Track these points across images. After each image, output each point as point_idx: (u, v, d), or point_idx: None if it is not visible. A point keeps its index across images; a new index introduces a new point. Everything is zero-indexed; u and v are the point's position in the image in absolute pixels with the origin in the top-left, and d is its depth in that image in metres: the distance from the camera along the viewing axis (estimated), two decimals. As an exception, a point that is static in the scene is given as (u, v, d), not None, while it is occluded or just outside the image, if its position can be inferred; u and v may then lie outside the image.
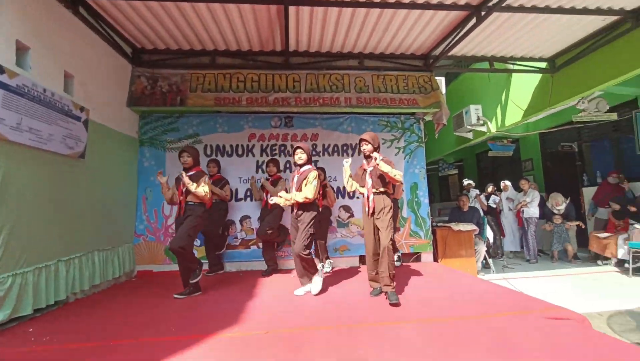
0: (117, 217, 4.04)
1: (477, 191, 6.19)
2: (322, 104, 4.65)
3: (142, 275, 4.36)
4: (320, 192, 3.96)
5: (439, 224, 5.23)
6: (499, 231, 6.19)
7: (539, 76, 5.40)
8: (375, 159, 2.81)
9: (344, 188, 4.87)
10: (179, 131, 4.68)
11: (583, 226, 5.92)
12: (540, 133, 7.29)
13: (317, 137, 4.93)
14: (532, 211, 5.87)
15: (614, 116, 5.41)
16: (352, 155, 4.87)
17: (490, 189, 6.20)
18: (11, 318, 2.45)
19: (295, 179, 3.14)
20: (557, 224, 5.79)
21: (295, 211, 3.14)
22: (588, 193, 6.30)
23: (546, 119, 6.43)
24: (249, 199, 4.70)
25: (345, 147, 4.97)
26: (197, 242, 4.27)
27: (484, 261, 5.27)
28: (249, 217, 4.67)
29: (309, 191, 3.01)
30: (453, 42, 4.29)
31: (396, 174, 2.85)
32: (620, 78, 4.27)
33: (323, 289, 3.23)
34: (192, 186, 3.12)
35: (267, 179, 4.20)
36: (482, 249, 5.20)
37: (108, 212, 3.83)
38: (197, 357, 1.91)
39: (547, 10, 3.79)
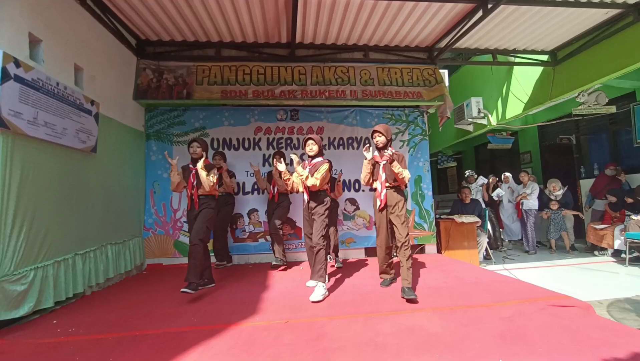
0: (127, 211, 4.06)
1: (485, 180, 6.26)
2: (328, 97, 4.67)
3: (152, 269, 4.41)
4: (329, 184, 3.97)
5: (442, 216, 5.33)
6: (497, 223, 6.33)
7: (540, 68, 5.46)
8: (390, 156, 2.79)
9: (349, 180, 4.93)
10: (185, 125, 4.68)
11: (582, 217, 6.07)
12: (538, 126, 7.39)
13: (322, 131, 4.96)
14: (532, 203, 6.00)
15: (612, 109, 5.51)
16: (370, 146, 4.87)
17: (491, 180, 6.30)
18: (34, 310, 2.49)
19: (307, 170, 3.06)
20: (554, 211, 5.91)
21: (307, 203, 3.12)
22: (585, 184, 6.45)
23: (545, 111, 6.51)
24: (256, 192, 4.74)
25: (350, 141, 5.01)
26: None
27: (484, 253, 5.41)
28: (256, 210, 4.72)
29: (317, 179, 2.95)
30: (458, 34, 4.32)
31: (405, 176, 2.85)
32: (622, 71, 4.35)
33: (332, 284, 3.28)
34: (204, 173, 2.98)
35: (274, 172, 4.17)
36: (484, 240, 5.33)
37: (118, 206, 3.85)
38: (224, 346, 1.98)
39: (553, 3, 3.83)
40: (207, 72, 4.53)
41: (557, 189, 6.04)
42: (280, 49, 4.73)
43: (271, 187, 4.21)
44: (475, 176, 6.44)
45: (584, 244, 6.08)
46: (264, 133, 4.85)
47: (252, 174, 4.73)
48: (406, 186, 3.15)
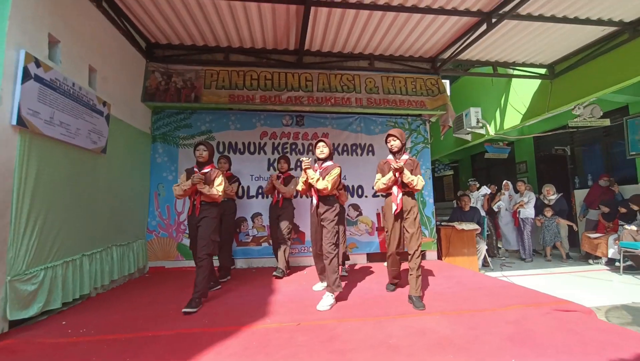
0: (132, 213, 4.06)
1: (488, 191, 6.37)
2: (334, 103, 4.76)
3: (155, 271, 4.39)
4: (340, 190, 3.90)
5: (442, 223, 5.41)
6: (494, 231, 6.44)
7: (538, 81, 5.64)
8: (400, 167, 2.73)
9: (352, 186, 5.00)
10: (191, 128, 4.71)
11: (576, 229, 6.21)
12: (534, 137, 7.58)
13: (327, 137, 5.03)
14: (528, 211, 6.13)
15: (607, 122, 5.69)
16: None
17: (491, 189, 6.43)
18: (42, 311, 2.48)
19: (318, 173, 2.96)
20: (548, 218, 6.04)
21: (316, 208, 2.98)
22: (579, 195, 6.62)
23: (540, 123, 6.69)
24: (260, 196, 4.77)
25: (354, 147, 5.09)
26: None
27: (483, 260, 5.50)
28: (260, 214, 4.75)
29: (328, 182, 2.86)
30: (462, 46, 4.46)
31: (417, 183, 2.80)
32: (617, 86, 4.52)
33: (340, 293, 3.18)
34: (205, 189, 2.84)
35: (279, 177, 4.11)
36: (483, 248, 5.42)
37: (124, 208, 3.85)
38: (239, 346, 2.00)
39: (553, 19, 3.99)
40: (215, 77, 4.59)
41: (551, 193, 6.19)
42: (287, 55, 4.82)
43: (275, 191, 4.14)
44: (478, 185, 6.56)
45: (578, 253, 6.22)
46: (269, 138, 4.90)
47: (257, 179, 4.78)
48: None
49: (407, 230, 2.87)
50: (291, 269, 4.34)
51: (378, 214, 5.09)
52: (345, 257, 4.07)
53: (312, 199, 3.03)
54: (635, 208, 4.94)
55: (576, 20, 4.04)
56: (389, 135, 2.97)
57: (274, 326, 2.31)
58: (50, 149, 2.59)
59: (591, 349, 1.86)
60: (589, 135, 6.74)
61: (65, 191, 2.79)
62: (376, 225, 5.05)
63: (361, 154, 5.08)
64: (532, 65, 5.35)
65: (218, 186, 2.93)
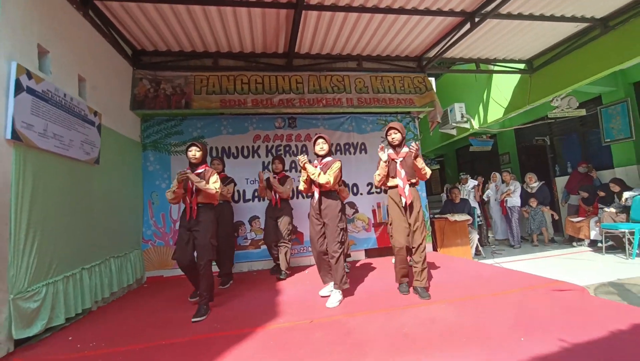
0: (127, 223, 3.98)
1: (475, 182, 6.58)
2: (325, 104, 4.82)
3: (153, 281, 4.31)
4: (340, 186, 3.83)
5: (436, 215, 5.57)
6: (484, 221, 6.67)
7: (518, 76, 5.89)
8: (417, 150, 2.73)
9: (348, 184, 5.07)
10: (183, 134, 4.65)
11: (557, 217, 6.50)
12: (515, 128, 7.89)
13: (319, 137, 5.08)
14: (515, 200, 6.38)
15: (582, 112, 6.01)
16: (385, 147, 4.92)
17: (478, 181, 6.65)
18: (46, 328, 2.41)
19: (318, 169, 2.91)
20: (533, 208, 6.32)
21: (317, 203, 2.91)
22: (560, 182, 6.95)
23: (520, 115, 6.98)
24: (256, 199, 4.77)
25: (347, 146, 5.16)
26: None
27: (475, 249, 5.69)
28: (257, 217, 4.74)
29: (330, 176, 2.82)
30: (447, 45, 4.62)
31: (427, 171, 2.83)
32: (591, 78, 4.79)
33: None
34: (202, 184, 2.73)
35: (274, 177, 4.06)
36: (475, 237, 5.61)
37: (120, 218, 3.77)
38: (258, 347, 2.02)
39: (531, 17, 4.20)
40: (205, 82, 4.55)
41: (533, 181, 6.47)
42: (276, 58, 4.84)
43: (272, 193, 4.06)
44: (469, 177, 6.79)
45: (562, 237, 6.52)
46: (262, 141, 4.91)
47: (252, 182, 4.77)
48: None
49: (411, 223, 2.83)
50: (291, 270, 4.35)
51: (374, 211, 5.18)
52: (347, 255, 4.10)
53: (313, 196, 2.98)
54: (616, 189, 5.22)
55: (552, 18, 4.26)
56: (391, 128, 2.95)
57: (287, 326, 2.34)
58: (45, 162, 2.52)
59: (591, 323, 1.99)
60: (566, 125, 7.08)
61: (61, 204, 2.71)
62: (372, 221, 5.14)
63: (354, 153, 5.16)
64: (512, 61, 5.59)
65: (214, 183, 2.83)
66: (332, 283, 2.97)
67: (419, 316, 2.34)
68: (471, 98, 7.16)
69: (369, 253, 5.11)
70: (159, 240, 4.45)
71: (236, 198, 4.70)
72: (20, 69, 2.24)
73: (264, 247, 4.70)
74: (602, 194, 5.57)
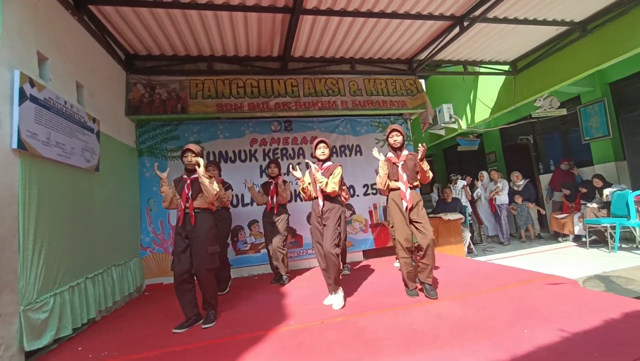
0: (126, 230, 3.94)
1: (464, 182, 6.79)
2: (320, 107, 4.89)
3: (153, 289, 4.27)
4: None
5: (430, 215, 5.72)
6: (475, 219, 6.90)
7: (503, 77, 6.13)
8: (422, 152, 2.74)
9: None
10: (179, 139, 4.63)
11: (543, 212, 6.79)
12: (501, 128, 8.18)
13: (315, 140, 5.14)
14: (503, 198, 6.63)
15: (563, 112, 6.31)
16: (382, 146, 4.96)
17: (466, 180, 6.87)
18: (54, 339, 2.38)
19: (326, 179, 2.89)
20: (519, 205, 6.58)
21: (321, 209, 2.91)
22: (544, 179, 7.25)
23: (505, 115, 7.26)
24: (254, 203, 4.78)
25: (342, 148, 5.25)
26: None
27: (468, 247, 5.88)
28: (257, 221, 4.76)
29: (335, 185, 2.86)
30: (437, 48, 4.77)
31: (430, 174, 2.86)
32: (571, 80, 5.07)
33: (347, 286, 3.28)
34: (207, 181, 2.64)
35: (270, 182, 4.03)
36: (467, 235, 5.80)
37: (119, 226, 3.73)
38: (274, 349, 2.06)
39: (515, 21, 4.41)
40: (200, 86, 4.54)
41: (519, 179, 6.73)
42: (271, 62, 4.88)
43: (269, 198, 4.02)
44: (459, 177, 7.01)
45: (548, 233, 6.81)
46: (259, 144, 4.93)
47: (250, 186, 4.77)
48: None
49: (417, 222, 2.83)
50: (290, 273, 4.38)
51: (370, 212, 5.28)
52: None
53: (317, 201, 2.97)
54: (599, 184, 5.49)
55: (535, 22, 4.49)
56: (394, 130, 2.92)
57: (299, 327, 2.39)
58: (49, 171, 2.49)
59: (585, 312, 2.14)
60: (548, 124, 7.40)
61: (64, 213, 2.68)
62: (369, 222, 5.24)
63: (349, 155, 5.26)
64: (497, 63, 5.82)
65: (215, 185, 2.74)
66: (333, 294, 2.90)
67: (425, 312, 2.44)
68: (459, 99, 7.40)
69: (367, 253, 5.21)
70: (157, 247, 4.41)
71: (234, 202, 4.71)
72: (24, 78, 2.21)
73: (263, 251, 4.72)
74: (584, 190, 5.86)
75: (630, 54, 4.32)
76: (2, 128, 2.06)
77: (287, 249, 4.51)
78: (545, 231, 6.93)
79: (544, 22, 4.54)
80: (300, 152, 5.08)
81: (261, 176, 4.83)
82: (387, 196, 3.13)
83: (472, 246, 5.96)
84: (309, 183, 3.02)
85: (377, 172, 3.08)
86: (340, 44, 4.68)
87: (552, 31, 4.89)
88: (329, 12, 3.77)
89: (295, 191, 4.95)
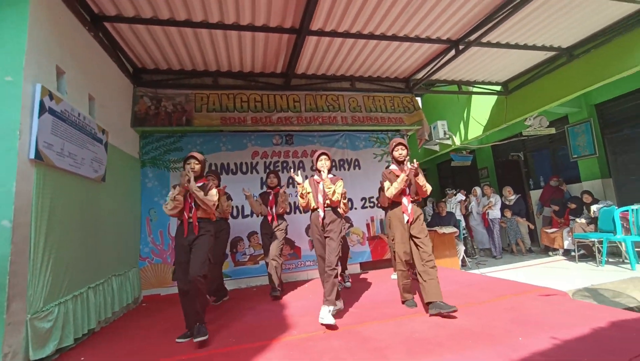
0: (126, 240, 3.95)
1: (463, 197, 6.96)
2: (321, 122, 5.05)
3: (150, 300, 4.25)
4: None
5: (425, 228, 5.84)
6: (468, 233, 7.05)
7: (495, 97, 6.42)
8: (416, 168, 2.76)
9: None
10: (182, 151, 4.71)
11: (532, 227, 6.98)
12: (493, 145, 8.47)
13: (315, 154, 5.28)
14: (496, 212, 6.81)
15: (552, 130, 6.58)
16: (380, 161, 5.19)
17: (462, 194, 7.06)
18: (57, 348, 2.38)
19: (322, 186, 2.95)
20: (509, 219, 6.76)
21: (322, 221, 2.93)
22: (535, 195, 7.48)
23: (497, 132, 7.54)
24: (254, 215, 4.84)
25: (341, 162, 5.39)
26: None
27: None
28: (256, 232, 4.81)
29: (339, 194, 2.92)
30: (433, 69, 5.02)
31: (428, 188, 2.91)
32: (559, 101, 5.35)
33: (347, 297, 3.40)
34: (200, 194, 2.61)
35: (268, 192, 4.07)
36: (462, 248, 5.92)
37: (121, 236, 3.76)
38: (280, 357, 2.11)
39: (507, 45, 4.68)
40: (205, 100, 4.67)
41: (511, 194, 6.94)
42: (274, 78, 5.05)
43: (269, 208, 4.02)
44: (455, 192, 7.18)
45: (538, 247, 6.99)
46: (260, 157, 5.04)
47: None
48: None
49: (416, 237, 2.88)
50: (288, 284, 4.43)
51: (367, 225, 5.39)
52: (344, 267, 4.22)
53: (318, 212, 2.98)
54: (588, 200, 5.70)
55: (525, 47, 4.77)
56: (400, 143, 2.96)
57: (303, 337, 2.45)
58: (61, 181, 2.55)
59: (576, 321, 2.25)
60: (537, 142, 7.70)
61: (72, 222, 2.72)
62: (367, 235, 5.34)
63: (348, 169, 5.39)
64: (490, 83, 6.10)
65: (214, 197, 2.72)
66: (331, 306, 2.75)
67: (426, 322, 2.53)
68: (453, 116, 7.67)
69: (364, 266, 5.28)
70: (156, 257, 4.42)
71: (235, 213, 4.77)
72: (44, 91, 2.30)
73: (262, 262, 4.76)
74: (572, 206, 6.07)
75: (614, 78, 4.61)
76: (22, 139, 2.14)
77: (285, 260, 4.58)
78: (536, 245, 7.10)
79: (533, 47, 4.83)
80: (301, 165, 5.20)
81: (261, 187, 4.92)
82: (387, 210, 3.21)
83: (465, 259, 6.08)
84: (309, 192, 3.05)
85: (381, 186, 3.12)
86: (341, 63, 4.88)
87: (541, 55, 5.18)
88: (333, 34, 3.97)
89: (294, 203, 5.03)
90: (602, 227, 5.20)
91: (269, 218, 4.03)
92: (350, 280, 4.34)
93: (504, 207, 6.88)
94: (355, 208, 5.33)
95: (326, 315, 2.59)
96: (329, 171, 3.09)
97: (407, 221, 2.90)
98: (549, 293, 3.02)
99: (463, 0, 3.58)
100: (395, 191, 2.88)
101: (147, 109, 4.41)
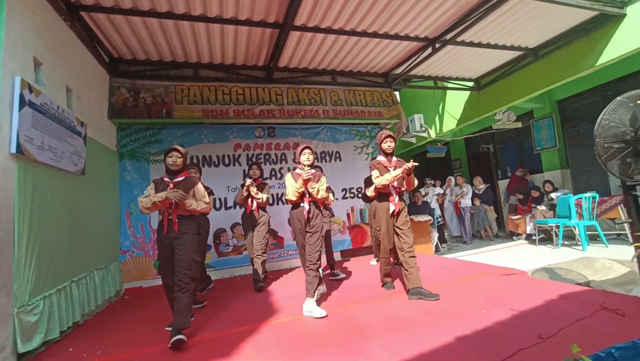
0: (107, 234, 3.92)
1: (441, 191, 7.30)
2: (303, 115, 5.14)
3: (132, 292, 4.25)
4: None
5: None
6: (443, 221, 7.45)
7: (468, 92, 6.75)
8: (409, 169, 2.81)
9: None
10: (162, 143, 4.66)
11: (496, 216, 7.49)
12: (465, 137, 8.91)
13: (297, 146, 5.37)
14: (467, 201, 7.24)
15: (519, 124, 7.04)
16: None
17: (436, 183, 7.44)
18: (42, 341, 2.40)
19: (317, 186, 2.95)
20: (477, 207, 7.24)
21: (308, 215, 2.91)
22: (502, 184, 8.01)
23: (470, 126, 7.94)
24: (238, 207, 4.90)
25: (323, 155, 5.53)
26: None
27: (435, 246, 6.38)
28: (239, 223, 4.87)
29: (324, 192, 2.98)
30: (411, 65, 5.22)
31: (415, 182, 3.00)
32: (526, 97, 5.74)
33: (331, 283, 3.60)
34: (194, 205, 2.52)
35: (252, 184, 3.96)
36: (435, 235, 6.30)
37: (101, 229, 3.72)
38: (272, 338, 2.26)
39: (479, 45, 4.94)
40: (186, 92, 4.62)
41: (481, 183, 7.40)
42: (256, 71, 5.06)
43: (250, 201, 3.95)
44: (433, 183, 7.56)
45: (504, 232, 7.53)
46: (243, 150, 5.08)
47: (233, 190, 4.91)
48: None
49: (399, 228, 2.98)
50: (272, 272, 4.57)
51: (348, 214, 5.60)
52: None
53: (301, 206, 2.97)
54: (549, 188, 6.21)
55: (495, 46, 5.06)
56: (389, 136, 2.99)
57: (289, 320, 2.61)
58: (41, 175, 2.51)
59: (534, 296, 2.56)
60: (506, 135, 8.20)
61: (53, 216, 2.69)
62: (347, 224, 5.55)
63: (329, 161, 5.55)
64: (463, 79, 6.41)
65: (204, 198, 2.64)
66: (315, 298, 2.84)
67: (403, 302, 2.76)
68: (429, 110, 7.98)
69: (345, 253, 5.51)
70: (137, 250, 4.40)
71: (217, 205, 4.81)
72: (24, 84, 2.25)
73: (245, 253, 4.86)
74: (535, 194, 6.58)
75: (574, 77, 5.01)
76: (2, 133, 2.10)
77: (269, 250, 4.69)
78: (502, 231, 7.65)
79: (503, 47, 5.14)
80: (283, 157, 5.29)
81: (244, 180, 4.96)
82: (373, 200, 3.27)
83: (439, 245, 6.47)
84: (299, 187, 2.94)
85: (370, 177, 3.09)
86: (323, 57, 4.96)
87: (510, 55, 5.51)
88: (316, 30, 4.04)
89: (277, 194, 5.14)
90: (559, 213, 5.70)
91: (248, 209, 3.99)
92: (336, 272, 4.44)
93: (474, 196, 7.33)
94: (337, 199, 5.49)
95: (314, 308, 2.65)
96: (313, 164, 3.09)
97: (393, 212, 3.00)
98: (511, 273, 3.35)
99: (440, 2, 3.77)
100: (386, 182, 2.92)
101: (125, 101, 4.31)
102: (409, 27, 4.26)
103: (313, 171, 3.02)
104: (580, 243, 5.12)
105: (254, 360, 1.98)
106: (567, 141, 6.55)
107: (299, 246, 3.07)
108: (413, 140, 8.40)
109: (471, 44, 4.84)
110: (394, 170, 2.96)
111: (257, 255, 3.82)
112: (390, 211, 3.00)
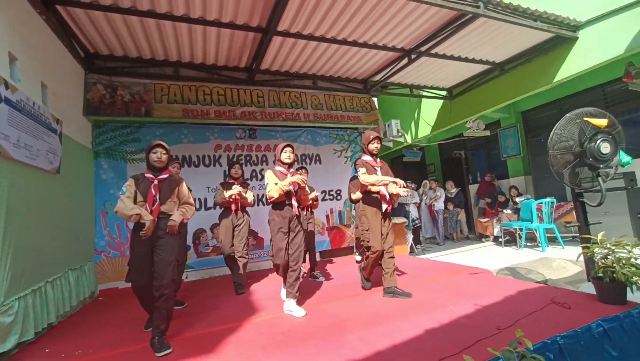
0: (82, 234, 3.82)
1: (417, 200, 7.55)
2: (284, 118, 5.24)
3: (107, 293, 4.15)
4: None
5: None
6: (419, 223, 7.78)
7: (441, 101, 7.13)
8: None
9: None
10: (140, 142, 4.58)
11: (465, 220, 7.93)
12: (439, 143, 9.35)
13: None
14: (440, 204, 7.61)
15: (487, 133, 7.51)
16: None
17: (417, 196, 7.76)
18: (18, 342, 2.34)
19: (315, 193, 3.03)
20: (450, 210, 7.64)
21: (292, 215, 2.87)
22: (473, 189, 8.48)
23: (443, 132, 8.36)
24: (218, 207, 4.90)
25: (303, 157, 5.64)
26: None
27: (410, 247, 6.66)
28: (218, 224, 4.87)
29: (311, 194, 3.02)
30: (389, 73, 5.46)
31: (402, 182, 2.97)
32: (493, 108, 6.15)
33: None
34: (188, 211, 2.50)
35: (231, 183, 3.95)
36: (410, 237, 6.57)
37: (76, 229, 3.62)
38: (253, 335, 2.34)
39: (452, 57, 5.26)
40: (165, 91, 4.58)
41: (453, 187, 7.82)
42: (238, 72, 5.09)
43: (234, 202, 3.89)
44: (413, 186, 7.85)
45: (474, 234, 7.98)
46: (224, 150, 5.09)
47: (213, 190, 4.90)
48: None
49: (385, 228, 3.03)
50: (252, 273, 4.62)
51: (327, 216, 5.73)
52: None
53: (289, 207, 2.90)
54: (515, 193, 6.66)
55: (466, 59, 5.41)
56: (377, 137, 3.02)
57: (271, 317, 2.69)
58: (17, 173, 2.45)
59: (495, 292, 2.81)
60: (476, 142, 8.69)
61: (29, 215, 2.62)
62: (326, 226, 5.69)
63: (310, 163, 5.66)
64: (437, 88, 6.76)
65: (189, 199, 2.57)
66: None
67: (380, 299, 2.93)
68: (405, 116, 8.32)
69: (323, 254, 5.64)
70: (113, 251, 4.30)
71: (198, 205, 4.79)
72: (0, 80, 2.20)
73: (225, 253, 4.86)
74: (502, 199, 7.05)
75: (535, 91, 5.45)
76: (-23, 129, 2.05)
77: (249, 250, 4.72)
78: (472, 233, 8.10)
79: (473, 61, 5.50)
80: (264, 159, 5.34)
81: (224, 180, 4.97)
82: (359, 202, 3.28)
83: (413, 246, 6.76)
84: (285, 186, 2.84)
85: (354, 177, 3.18)
86: (305, 62, 5.08)
87: (479, 68, 5.90)
88: (298, 35, 4.16)
89: (258, 195, 5.19)
90: (523, 217, 6.15)
91: (232, 210, 3.96)
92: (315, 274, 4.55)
93: (447, 200, 7.71)
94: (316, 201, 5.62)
95: (295, 307, 2.69)
96: (293, 163, 3.06)
97: (387, 210, 3.01)
98: (477, 272, 3.62)
99: (416, 16, 4.01)
100: (372, 181, 2.93)
101: (102, 98, 4.21)
102: (387, 37, 4.48)
103: (304, 178, 2.97)
104: (540, 245, 5.54)
105: (237, 356, 2.05)
106: (530, 150, 7.07)
107: (275, 249, 2.89)
108: (390, 144, 8.72)
109: (444, 56, 5.14)
110: (380, 169, 3.04)
111: (239, 257, 3.78)
112: (384, 210, 3.01)
